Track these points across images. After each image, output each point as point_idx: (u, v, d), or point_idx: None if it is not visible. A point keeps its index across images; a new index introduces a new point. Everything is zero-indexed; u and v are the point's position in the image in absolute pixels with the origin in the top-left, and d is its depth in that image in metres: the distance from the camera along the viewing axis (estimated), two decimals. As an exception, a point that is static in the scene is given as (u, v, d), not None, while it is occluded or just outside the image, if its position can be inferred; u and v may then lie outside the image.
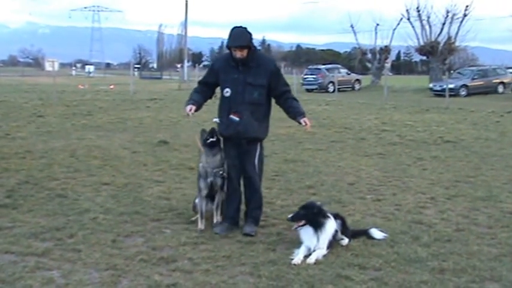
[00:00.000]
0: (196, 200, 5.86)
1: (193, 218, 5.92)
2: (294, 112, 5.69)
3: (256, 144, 5.72)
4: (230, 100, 5.55)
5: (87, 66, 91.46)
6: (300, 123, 5.62)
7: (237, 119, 5.52)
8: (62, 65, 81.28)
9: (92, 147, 11.15)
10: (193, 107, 5.62)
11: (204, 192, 5.70)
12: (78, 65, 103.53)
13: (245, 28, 5.51)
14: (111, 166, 9.06)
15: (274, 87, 5.64)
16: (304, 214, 4.96)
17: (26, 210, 6.21)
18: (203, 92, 5.80)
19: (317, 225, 4.92)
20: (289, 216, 5.00)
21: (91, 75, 77.42)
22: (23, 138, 12.31)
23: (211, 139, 5.61)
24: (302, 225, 4.95)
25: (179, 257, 4.81)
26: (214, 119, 5.74)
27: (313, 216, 4.95)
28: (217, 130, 5.71)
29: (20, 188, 7.34)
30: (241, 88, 5.50)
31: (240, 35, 5.44)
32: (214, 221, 5.69)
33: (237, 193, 5.79)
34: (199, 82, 5.92)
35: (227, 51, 5.64)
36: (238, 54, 5.43)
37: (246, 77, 5.49)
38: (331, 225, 5.00)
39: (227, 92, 5.55)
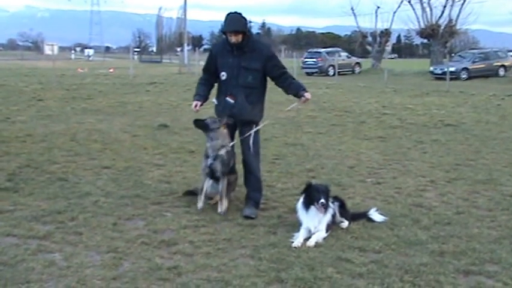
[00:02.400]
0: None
1: (211, 202, 5.92)
2: (296, 87, 5.73)
3: (252, 127, 5.83)
4: (226, 83, 5.73)
5: (86, 50, 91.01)
6: (304, 96, 5.64)
7: (232, 101, 5.70)
8: (61, 49, 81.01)
9: (92, 131, 11.15)
10: (199, 103, 5.83)
11: (206, 170, 5.78)
12: (78, 49, 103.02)
13: (240, 14, 5.63)
14: (111, 150, 9.07)
15: (270, 70, 5.74)
16: (327, 197, 4.95)
17: (27, 194, 6.22)
18: (207, 81, 5.97)
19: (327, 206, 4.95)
20: (322, 201, 4.86)
21: (90, 58, 76.98)
22: (23, 122, 12.30)
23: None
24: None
25: (180, 240, 4.83)
26: (213, 100, 5.94)
27: (328, 198, 4.98)
28: (215, 111, 5.92)
29: (20, 171, 7.35)
30: (236, 72, 5.66)
31: (235, 21, 5.56)
32: (219, 210, 5.65)
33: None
34: (203, 70, 6.08)
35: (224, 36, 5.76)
36: (234, 39, 5.55)
37: (241, 61, 5.64)
38: (330, 207, 5.03)
39: (223, 75, 5.73)
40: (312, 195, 4.95)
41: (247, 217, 5.49)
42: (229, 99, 5.70)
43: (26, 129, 11.10)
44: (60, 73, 31.83)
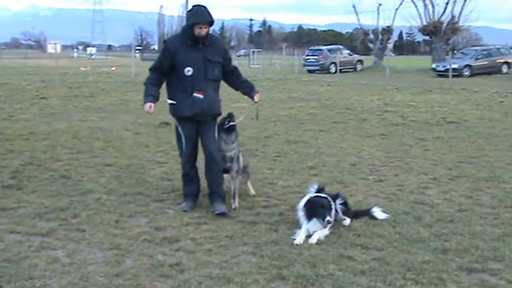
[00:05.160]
0: None
1: None
2: (249, 87, 5.94)
3: (215, 120, 5.81)
4: (193, 78, 5.52)
5: (88, 48, 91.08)
6: (253, 98, 5.88)
7: (201, 96, 5.56)
8: (64, 47, 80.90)
9: (95, 128, 11.17)
10: (153, 105, 5.66)
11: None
12: (80, 47, 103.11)
13: (204, 6, 5.56)
14: (113, 147, 9.08)
15: (227, 64, 5.80)
16: (331, 211, 4.93)
17: (30, 191, 6.24)
18: (157, 80, 5.76)
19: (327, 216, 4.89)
20: (328, 219, 4.78)
21: (93, 57, 77.11)
22: (26, 120, 12.32)
23: (230, 123, 5.75)
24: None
25: (182, 237, 4.84)
26: (169, 101, 5.73)
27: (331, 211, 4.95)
28: (171, 111, 5.78)
29: (24, 169, 7.37)
30: (202, 66, 5.54)
31: (205, 12, 5.46)
32: (233, 206, 5.71)
33: (195, 171, 5.88)
34: (152, 69, 5.81)
35: (186, 31, 5.61)
36: (204, 31, 5.45)
37: (206, 55, 5.56)
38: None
39: (189, 70, 5.50)
40: (317, 211, 4.85)
41: (221, 214, 5.43)
42: (198, 95, 5.52)
43: (29, 127, 11.13)
44: (63, 71, 31.85)
